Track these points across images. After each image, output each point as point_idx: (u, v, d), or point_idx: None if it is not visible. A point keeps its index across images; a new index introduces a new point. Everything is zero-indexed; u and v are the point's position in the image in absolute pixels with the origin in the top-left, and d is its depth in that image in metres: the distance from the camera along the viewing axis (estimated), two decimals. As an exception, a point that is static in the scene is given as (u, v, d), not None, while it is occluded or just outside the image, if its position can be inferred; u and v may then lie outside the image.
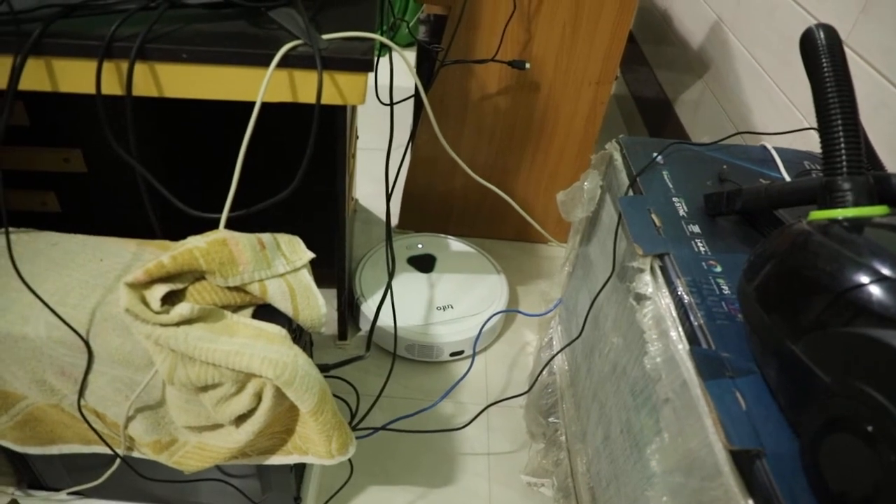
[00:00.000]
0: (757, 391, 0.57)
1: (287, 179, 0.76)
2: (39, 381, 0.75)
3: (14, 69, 0.69)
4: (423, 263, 1.46)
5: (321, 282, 0.79)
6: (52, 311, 0.70)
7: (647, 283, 0.71)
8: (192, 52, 0.74)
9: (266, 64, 0.74)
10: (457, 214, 1.63)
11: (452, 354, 1.33)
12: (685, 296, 0.66)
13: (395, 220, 1.65)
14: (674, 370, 0.63)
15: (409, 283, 1.40)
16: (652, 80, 2.03)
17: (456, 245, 1.53)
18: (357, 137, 1.52)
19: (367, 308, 1.33)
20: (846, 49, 0.61)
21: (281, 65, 0.74)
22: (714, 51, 1.61)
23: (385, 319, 1.24)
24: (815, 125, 0.60)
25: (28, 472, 0.92)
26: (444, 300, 1.37)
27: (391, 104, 1.00)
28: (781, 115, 1.25)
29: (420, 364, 1.33)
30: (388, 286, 1.11)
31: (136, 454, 0.83)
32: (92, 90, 0.74)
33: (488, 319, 1.34)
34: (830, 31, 0.59)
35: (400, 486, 1.13)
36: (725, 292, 0.67)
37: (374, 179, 1.75)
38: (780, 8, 1.27)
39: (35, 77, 0.74)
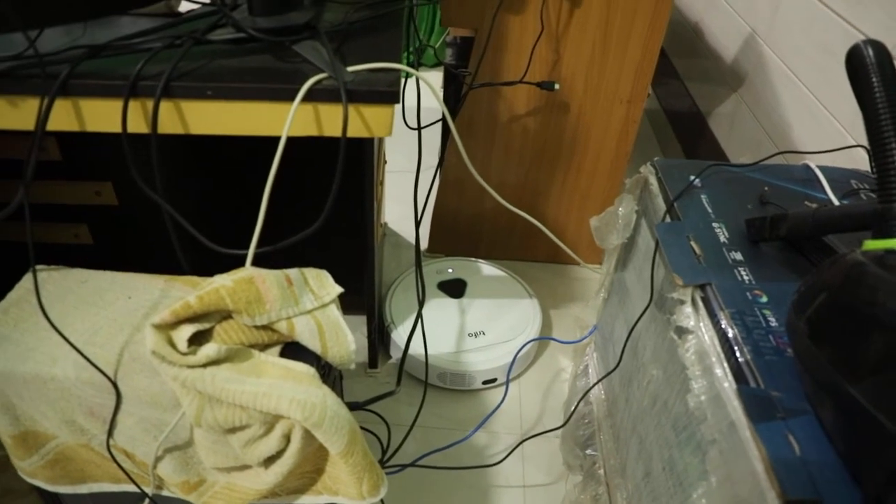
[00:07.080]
0: (811, 433, 0.53)
1: (315, 209, 0.75)
2: (69, 421, 0.75)
3: (41, 111, 0.69)
4: (454, 288, 1.43)
5: (350, 308, 0.77)
6: (81, 354, 0.69)
7: (689, 316, 0.68)
8: (217, 88, 0.73)
9: (291, 98, 0.73)
10: (487, 237, 1.60)
11: (485, 382, 1.30)
12: (729, 329, 0.63)
13: (424, 244, 1.63)
14: (720, 410, 0.60)
15: (439, 309, 1.38)
16: (684, 94, 1.99)
17: (487, 269, 1.50)
18: (385, 162, 1.51)
19: (398, 336, 1.31)
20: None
21: (306, 99, 0.73)
22: (749, 64, 1.57)
23: (416, 348, 1.21)
24: (860, 142, 0.57)
25: (60, 511, 0.92)
26: (476, 326, 1.34)
27: (419, 129, 0.98)
28: (823, 131, 1.20)
29: (452, 392, 1.31)
30: (419, 315, 1.09)
31: (165, 493, 0.82)
32: (119, 129, 0.73)
33: (522, 346, 1.31)
34: (879, 48, 0.56)
35: (434, 520, 1.10)
36: (773, 324, 0.63)
37: (402, 202, 1.74)
38: (820, 20, 1.23)
39: (63, 117, 0.74)
